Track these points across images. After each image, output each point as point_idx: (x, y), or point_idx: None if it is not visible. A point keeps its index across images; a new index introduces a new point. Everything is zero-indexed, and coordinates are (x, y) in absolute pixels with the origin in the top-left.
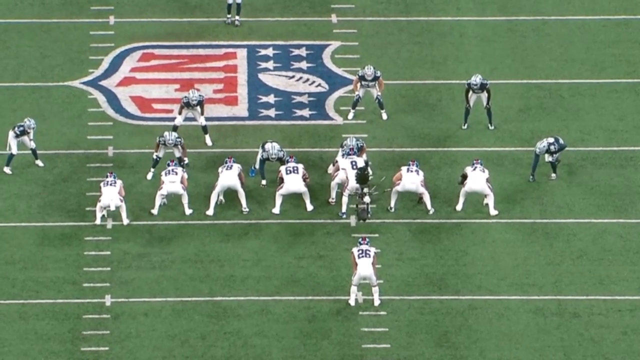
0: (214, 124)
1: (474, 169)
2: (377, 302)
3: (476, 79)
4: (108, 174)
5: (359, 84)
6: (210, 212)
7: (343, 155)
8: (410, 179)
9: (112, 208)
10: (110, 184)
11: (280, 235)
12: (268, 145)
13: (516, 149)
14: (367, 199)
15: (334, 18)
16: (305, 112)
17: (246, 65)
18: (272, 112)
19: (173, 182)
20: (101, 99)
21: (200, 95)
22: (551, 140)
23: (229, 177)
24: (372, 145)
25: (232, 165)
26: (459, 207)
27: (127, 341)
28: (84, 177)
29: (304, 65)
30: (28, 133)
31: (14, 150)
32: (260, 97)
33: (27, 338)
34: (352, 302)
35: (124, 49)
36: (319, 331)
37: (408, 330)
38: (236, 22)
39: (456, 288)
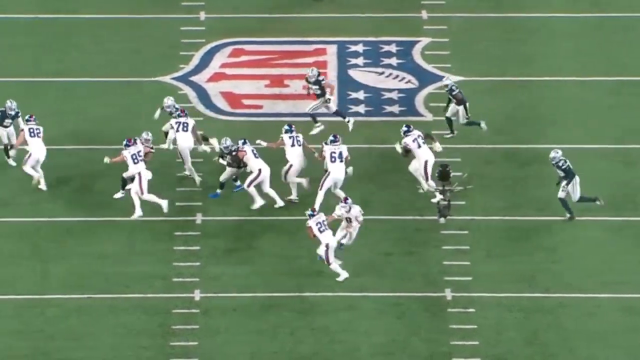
0: (304, 120)
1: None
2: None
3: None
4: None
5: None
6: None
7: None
8: (339, 169)
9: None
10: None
11: (370, 230)
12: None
13: (606, 146)
14: (446, 195)
15: (424, 14)
16: (395, 109)
17: (336, 62)
18: (361, 109)
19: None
20: (191, 94)
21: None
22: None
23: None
24: (461, 142)
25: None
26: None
27: (215, 336)
28: (174, 172)
29: (393, 61)
30: (9, 115)
31: (4, 139)
32: (349, 93)
33: (117, 332)
34: (342, 278)
35: (214, 45)
36: (407, 328)
37: (497, 327)
38: None
39: (546, 286)
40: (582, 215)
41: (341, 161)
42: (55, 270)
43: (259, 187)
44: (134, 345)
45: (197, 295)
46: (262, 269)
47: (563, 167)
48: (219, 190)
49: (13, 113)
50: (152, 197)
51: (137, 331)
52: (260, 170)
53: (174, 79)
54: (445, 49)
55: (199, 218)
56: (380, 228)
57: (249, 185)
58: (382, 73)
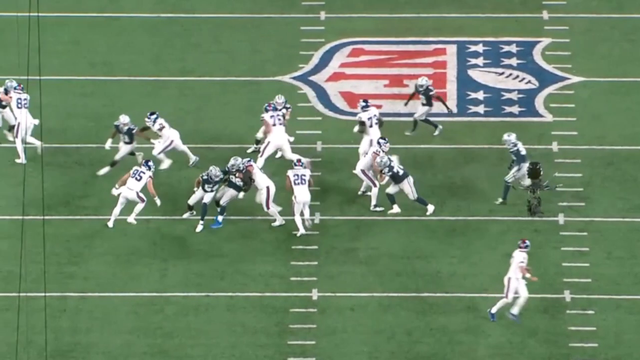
0: (422, 119)
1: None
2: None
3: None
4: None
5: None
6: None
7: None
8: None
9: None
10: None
11: (488, 232)
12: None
13: None
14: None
15: (545, 15)
16: (515, 109)
17: (456, 62)
18: (481, 109)
19: (131, 189)
20: (310, 94)
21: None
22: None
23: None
24: (582, 143)
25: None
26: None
27: (333, 335)
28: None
29: (514, 61)
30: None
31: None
32: (469, 93)
33: (234, 331)
34: (300, 232)
35: (334, 45)
36: (525, 329)
37: (616, 329)
38: None
39: None
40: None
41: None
42: (174, 268)
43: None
44: (252, 344)
45: (314, 294)
46: (380, 269)
47: (511, 150)
48: (220, 217)
49: (126, 129)
50: (274, 210)
51: (254, 330)
52: (268, 188)
53: (293, 78)
54: (566, 50)
55: (317, 217)
56: (500, 229)
57: (267, 207)
58: (502, 73)
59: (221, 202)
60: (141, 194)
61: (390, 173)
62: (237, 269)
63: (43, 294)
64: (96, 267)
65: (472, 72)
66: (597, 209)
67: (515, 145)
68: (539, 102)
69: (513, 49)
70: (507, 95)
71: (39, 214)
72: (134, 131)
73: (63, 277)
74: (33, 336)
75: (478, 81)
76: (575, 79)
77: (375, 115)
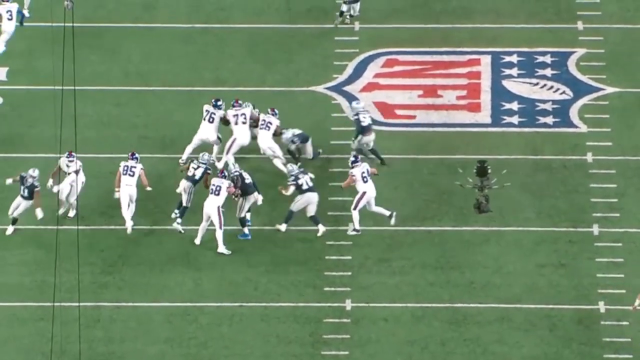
0: (457, 130)
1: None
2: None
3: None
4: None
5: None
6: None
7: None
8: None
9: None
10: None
11: (522, 242)
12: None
13: None
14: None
15: (579, 25)
16: (549, 120)
17: (490, 72)
18: (515, 119)
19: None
20: (345, 104)
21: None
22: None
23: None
24: (617, 154)
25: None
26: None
27: (367, 346)
28: (327, 182)
29: (548, 72)
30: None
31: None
32: (503, 104)
33: (268, 341)
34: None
35: (368, 55)
36: (559, 340)
37: None
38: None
39: None
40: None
41: (370, 177)
42: (208, 278)
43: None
44: (286, 354)
45: (348, 304)
46: (414, 279)
47: (353, 119)
48: (246, 229)
49: (29, 183)
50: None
51: (288, 340)
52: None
53: (327, 88)
54: (601, 60)
55: (350, 228)
56: (533, 239)
57: (240, 213)
58: (537, 84)
59: (239, 216)
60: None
61: (294, 183)
62: (270, 278)
63: (77, 304)
64: (130, 276)
65: (506, 83)
66: (632, 220)
67: (357, 114)
68: (573, 112)
69: (547, 59)
70: (542, 106)
71: (73, 224)
72: (36, 189)
73: (97, 287)
74: (67, 346)
75: (512, 92)
76: (610, 89)
77: (243, 114)
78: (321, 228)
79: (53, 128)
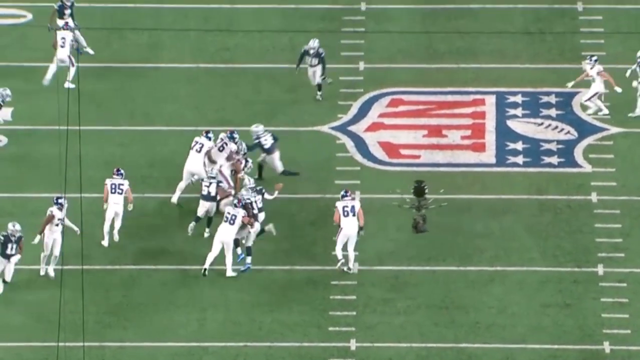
0: (461, 170)
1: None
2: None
3: (314, 43)
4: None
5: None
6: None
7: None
8: (350, 225)
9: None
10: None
11: (527, 282)
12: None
13: None
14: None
15: (584, 65)
16: (554, 160)
17: (495, 112)
18: (519, 159)
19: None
20: (349, 144)
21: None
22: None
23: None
24: (622, 194)
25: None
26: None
27: None
28: (332, 222)
29: (553, 112)
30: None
31: None
32: (508, 143)
33: None
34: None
35: (372, 95)
36: None
37: None
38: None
39: None
40: None
41: (354, 215)
42: (212, 317)
43: None
44: None
45: (353, 344)
46: (419, 319)
47: (254, 142)
48: (248, 260)
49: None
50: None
51: None
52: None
53: (332, 128)
54: (605, 100)
55: (355, 268)
56: (538, 279)
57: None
58: (541, 124)
59: (248, 244)
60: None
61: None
62: (275, 318)
63: (82, 344)
64: (134, 316)
65: (511, 123)
66: (637, 260)
67: (257, 138)
68: (578, 152)
69: (552, 99)
70: (546, 146)
71: (77, 264)
72: (20, 241)
73: (101, 327)
74: None
75: (517, 131)
76: (615, 129)
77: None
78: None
79: (57, 168)
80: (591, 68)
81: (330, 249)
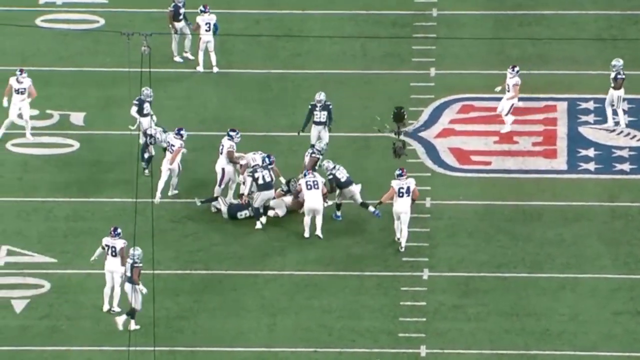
0: (532, 176)
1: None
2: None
3: (320, 96)
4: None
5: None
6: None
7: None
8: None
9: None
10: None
11: (598, 289)
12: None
13: None
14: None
15: None
16: (626, 166)
17: (566, 118)
18: (591, 166)
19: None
20: (420, 150)
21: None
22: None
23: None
24: None
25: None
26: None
27: None
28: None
29: (625, 118)
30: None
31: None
32: (579, 150)
33: None
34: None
35: (443, 101)
36: None
37: None
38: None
39: None
40: None
41: (408, 195)
42: (282, 323)
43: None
44: None
45: (423, 351)
46: (490, 326)
47: (329, 177)
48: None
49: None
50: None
51: None
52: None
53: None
54: None
55: (425, 274)
56: (609, 286)
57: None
58: (614, 130)
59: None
60: None
61: (251, 175)
62: (345, 324)
63: (152, 349)
64: (205, 321)
65: (582, 129)
66: None
67: (332, 173)
68: None
69: (624, 106)
70: (618, 153)
71: (149, 269)
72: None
73: (172, 332)
74: None
75: (589, 138)
76: None
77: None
78: (258, 223)
79: (129, 173)
80: None
81: (401, 255)
